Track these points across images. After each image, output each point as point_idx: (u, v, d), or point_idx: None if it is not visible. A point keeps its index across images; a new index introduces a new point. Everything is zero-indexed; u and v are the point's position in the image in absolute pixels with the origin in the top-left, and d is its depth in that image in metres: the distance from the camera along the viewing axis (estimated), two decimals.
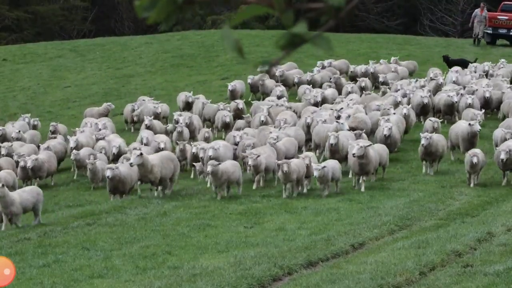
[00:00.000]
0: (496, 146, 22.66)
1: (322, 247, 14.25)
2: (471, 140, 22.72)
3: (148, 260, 14.11)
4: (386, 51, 45.96)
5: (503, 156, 20.18)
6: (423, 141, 21.69)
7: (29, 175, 23.57)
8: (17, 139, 27.38)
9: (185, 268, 13.24)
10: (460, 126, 23.34)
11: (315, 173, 19.39)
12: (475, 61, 36.68)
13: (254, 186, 21.33)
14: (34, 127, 30.05)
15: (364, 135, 22.93)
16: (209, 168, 19.74)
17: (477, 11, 46.07)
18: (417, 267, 12.48)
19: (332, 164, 19.87)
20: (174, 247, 15.10)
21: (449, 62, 36.97)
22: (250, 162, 20.87)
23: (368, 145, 20.52)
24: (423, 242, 14.34)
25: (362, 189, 20.32)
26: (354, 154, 20.08)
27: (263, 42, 47.07)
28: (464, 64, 36.21)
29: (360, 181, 20.61)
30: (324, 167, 19.36)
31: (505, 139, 22.11)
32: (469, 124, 22.89)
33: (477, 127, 22.74)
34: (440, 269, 12.63)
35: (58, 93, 40.80)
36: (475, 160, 20.03)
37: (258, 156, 20.82)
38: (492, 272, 12.06)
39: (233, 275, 12.34)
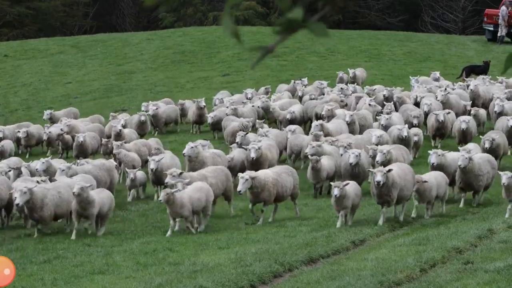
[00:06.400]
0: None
1: (322, 244, 14.24)
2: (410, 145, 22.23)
3: (149, 256, 14.11)
4: (387, 48, 45.95)
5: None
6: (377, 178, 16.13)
7: None
8: None
9: (186, 264, 13.24)
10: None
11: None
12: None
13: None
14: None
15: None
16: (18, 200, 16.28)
17: (506, 8, 44.77)
18: (418, 264, 12.48)
19: (200, 186, 16.66)
20: (174, 243, 15.10)
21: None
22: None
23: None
24: (423, 239, 14.34)
25: (297, 214, 17.83)
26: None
27: (264, 39, 47.07)
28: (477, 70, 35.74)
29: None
30: (179, 188, 16.25)
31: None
32: (398, 129, 22.39)
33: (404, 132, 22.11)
34: (441, 266, 12.64)
35: (59, 89, 40.78)
36: (336, 192, 15.97)
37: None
38: (492, 269, 12.06)
39: (233, 271, 12.34)
